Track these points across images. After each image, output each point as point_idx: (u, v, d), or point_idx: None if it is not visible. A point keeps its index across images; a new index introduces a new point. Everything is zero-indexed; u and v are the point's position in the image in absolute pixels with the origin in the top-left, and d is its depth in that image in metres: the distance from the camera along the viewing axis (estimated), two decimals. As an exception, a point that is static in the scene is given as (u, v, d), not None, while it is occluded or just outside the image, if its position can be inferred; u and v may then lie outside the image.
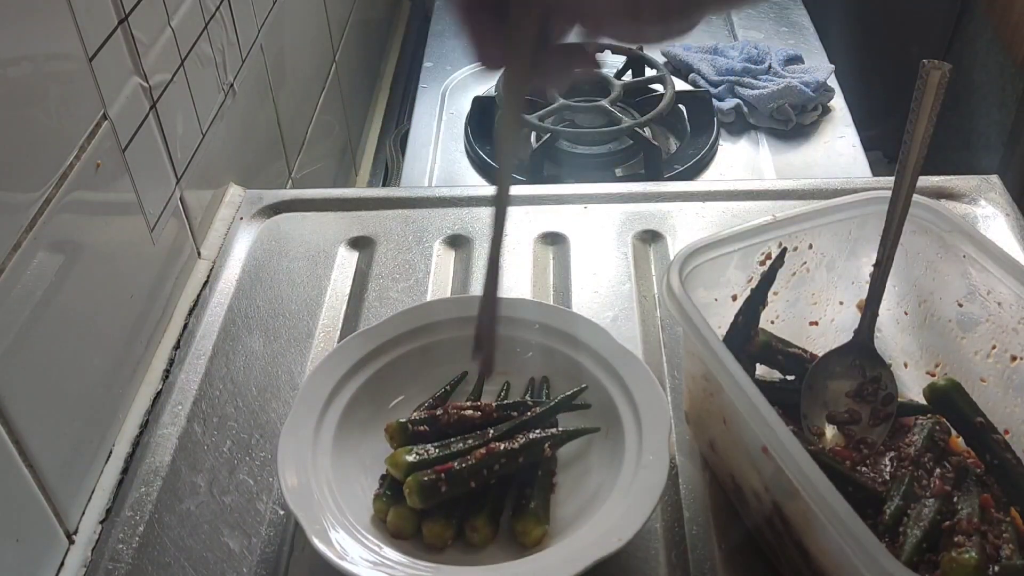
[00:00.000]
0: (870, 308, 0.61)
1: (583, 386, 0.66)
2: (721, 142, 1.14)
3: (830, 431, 0.62)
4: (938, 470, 0.58)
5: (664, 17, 0.40)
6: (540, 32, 0.41)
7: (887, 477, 0.58)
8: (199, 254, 0.85)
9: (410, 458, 0.60)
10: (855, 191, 0.67)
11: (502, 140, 0.46)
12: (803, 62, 1.27)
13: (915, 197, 0.60)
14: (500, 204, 0.45)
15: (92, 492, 0.65)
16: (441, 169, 1.12)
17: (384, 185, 1.28)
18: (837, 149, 1.14)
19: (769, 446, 0.50)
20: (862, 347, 0.61)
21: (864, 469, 0.59)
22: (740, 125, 1.17)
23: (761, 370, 0.66)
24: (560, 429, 0.64)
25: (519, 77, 0.43)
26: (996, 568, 0.52)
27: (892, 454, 0.60)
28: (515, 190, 0.96)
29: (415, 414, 0.65)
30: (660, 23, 0.40)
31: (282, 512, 0.63)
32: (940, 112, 0.56)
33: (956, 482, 0.57)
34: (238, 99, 0.92)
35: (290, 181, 1.10)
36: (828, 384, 0.62)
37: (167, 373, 0.74)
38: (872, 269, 0.68)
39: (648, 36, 0.41)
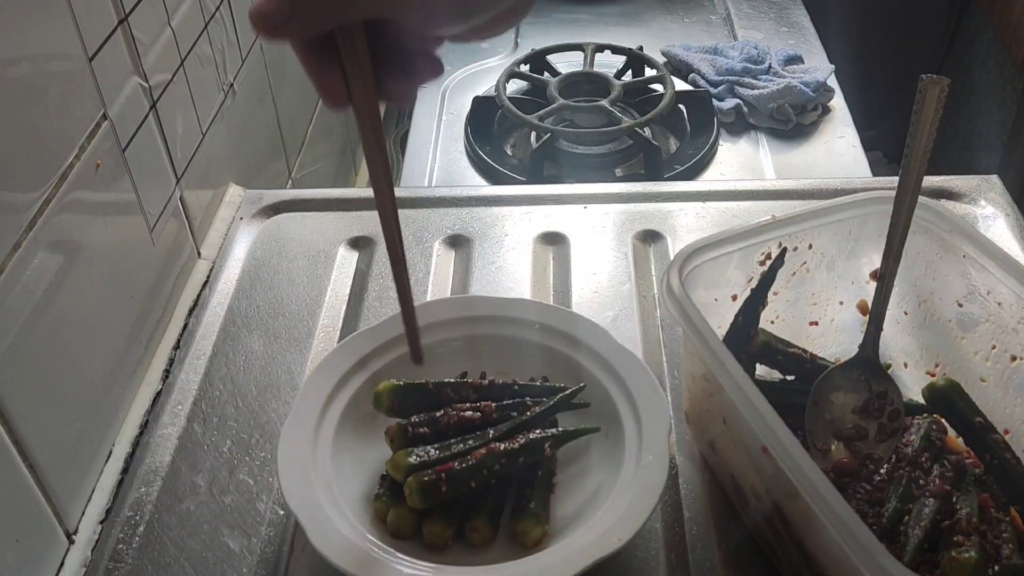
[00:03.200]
0: (874, 324, 0.61)
1: (581, 384, 0.66)
2: (721, 142, 1.14)
3: (835, 445, 0.62)
4: (937, 468, 0.59)
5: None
6: (377, 52, 0.42)
7: (884, 476, 0.58)
8: (199, 254, 0.85)
9: (411, 460, 0.60)
10: (855, 191, 0.67)
11: (369, 159, 0.48)
12: (803, 62, 1.27)
13: (915, 197, 0.60)
14: (386, 219, 0.48)
15: (92, 492, 0.65)
16: (441, 169, 1.12)
17: (384, 185, 1.27)
18: (837, 149, 1.13)
19: (769, 446, 0.50)
20: (867, 362, 0.61)
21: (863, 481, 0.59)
22: (740, 125, 1.17)
23: (761, 370, 0.66)
24: (560, 429, 0.64)
25: (367, 104, 0.44)
26: (996, 567, 0.52)
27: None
28: (515, 190, 0.96)
29: (415, 416, 0.65)
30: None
31: (282, 512, 0.63)
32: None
33: (955, 481, 0.57)
34: (238, 99, 0.92)
35: (290, 181, 1.10)
36: (833, 400, 0.61)
37: (167, 373, 0.74)
38: (872, 276, 0.68)
39: (481, 30, 0.42)
